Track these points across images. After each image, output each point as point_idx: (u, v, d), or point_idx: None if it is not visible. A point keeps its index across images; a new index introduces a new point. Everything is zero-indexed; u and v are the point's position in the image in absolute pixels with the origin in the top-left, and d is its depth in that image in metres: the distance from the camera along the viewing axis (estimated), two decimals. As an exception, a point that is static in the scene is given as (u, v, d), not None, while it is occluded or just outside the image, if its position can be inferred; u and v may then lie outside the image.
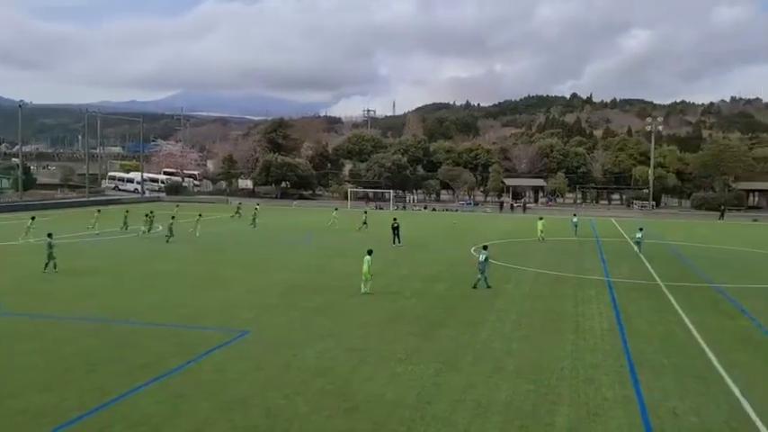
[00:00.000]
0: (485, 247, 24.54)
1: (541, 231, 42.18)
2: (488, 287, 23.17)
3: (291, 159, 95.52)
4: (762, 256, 36.54)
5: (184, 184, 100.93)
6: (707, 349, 15.76)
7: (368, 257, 22.37)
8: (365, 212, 48.21)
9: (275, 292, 22.14)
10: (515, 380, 13.20)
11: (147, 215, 40.18)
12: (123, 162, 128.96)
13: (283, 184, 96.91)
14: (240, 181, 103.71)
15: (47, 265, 25.13)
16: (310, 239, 40.28)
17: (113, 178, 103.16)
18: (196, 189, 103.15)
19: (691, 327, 18.11)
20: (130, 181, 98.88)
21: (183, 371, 13.39)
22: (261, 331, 16.77)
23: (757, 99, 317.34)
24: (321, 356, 14.59)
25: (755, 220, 69.52)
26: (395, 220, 39.45)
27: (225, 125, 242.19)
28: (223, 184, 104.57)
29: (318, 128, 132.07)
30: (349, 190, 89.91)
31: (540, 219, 44.10)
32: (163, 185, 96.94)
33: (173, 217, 39.11)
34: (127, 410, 11.14)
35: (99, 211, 44.90)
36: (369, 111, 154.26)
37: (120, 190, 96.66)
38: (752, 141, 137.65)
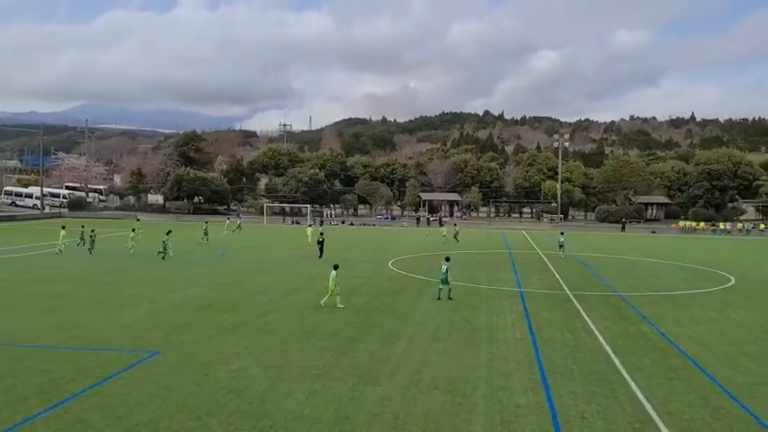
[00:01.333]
0: (447, 259, 24.89)
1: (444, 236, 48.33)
2: (450, 299, 23.75)
3: (205, 174, 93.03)
4: (659, 265, 38.86)
5: (89, 199, 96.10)
6: (612, 354, 16.49)
7: (333, 272, 22.23)
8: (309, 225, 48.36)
9: (186, 311, 21.32)
10: (432, 391, 13.29)
11: (88, 231, 40.15)
12: (21, 176, 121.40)
13: (196, 199, 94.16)
14: (150, 196, 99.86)
15: None
16: (223, 256, 39.23)
17: (10, 193, 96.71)
18: (102, 204, 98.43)
19: (597, 333, 18.92)
20: (29, 196, 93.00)
21: (85, 395, 12.59)
22: (171, 351, 16.07)
23: (653, 118, 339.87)
24: (236, 375, 14.14)
25: (653, 232, 73.99)
26: (321, 234, 40.55)
27: (133, 138, 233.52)
28: (131, 198, 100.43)
29: (233, 141, 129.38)
30: (265, 205, 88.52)
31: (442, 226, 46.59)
32: (65, 201, 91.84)
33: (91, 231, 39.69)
34: (21, 441, 10.33)
35: None
36: (285, 125, 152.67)
37: (17, 206, 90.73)
38: (649, 157, 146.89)
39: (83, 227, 42.43)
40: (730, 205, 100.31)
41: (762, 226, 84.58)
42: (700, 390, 13.69)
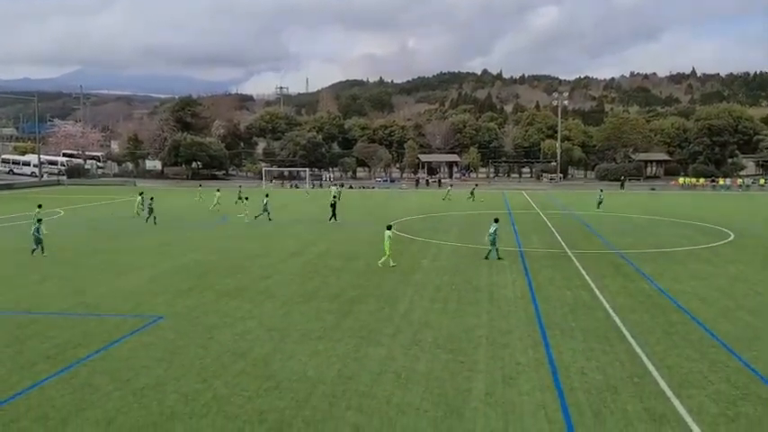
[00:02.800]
0: (496, 220, 25.13)
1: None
2: (499, 258, 24.16)
3: (202, 138, 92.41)
4: (659, 222, 38.96)
5: (87, 166, 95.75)
6: (611, 311, 16.66)
7: (388, 233, 23.20)
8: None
9: (188, 276, 21.46)
10: (434, 350, 13.46)
11: (145, 198, 39.81)
12: (17, 144, 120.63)
13: (194, 165, 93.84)
14: (148, 162, 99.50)
15: None
16: (225, 222, 39.28)
17: (7, 161, 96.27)
18: (100, 171, 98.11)
19: (596, 291, 19.07)
20: (27, 164, 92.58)
21: (92, 360, 12.76)
22: (174, 316, 16.23)
23: (654, 74, 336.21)
24: (240, 338, 14.31)
25: (653, 189, 73.98)
26: (334, 197, 40.88)
27: (129, 104, 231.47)
28: (129, 165, 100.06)
29: (229, 106, 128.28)
30: (263, 169, 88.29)
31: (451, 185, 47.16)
32: (63, 168, 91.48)
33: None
34: (32, 404, 10.53)
35: None
36: (281, 88, 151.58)
37: (15, 174, 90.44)
38: (649, 114, 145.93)
39: (141, 194, 41.79)
40: (730, 161, 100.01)
41: (762, 181, 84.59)
42: (698, 344, 13.86)
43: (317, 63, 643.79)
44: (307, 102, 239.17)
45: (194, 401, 10.70)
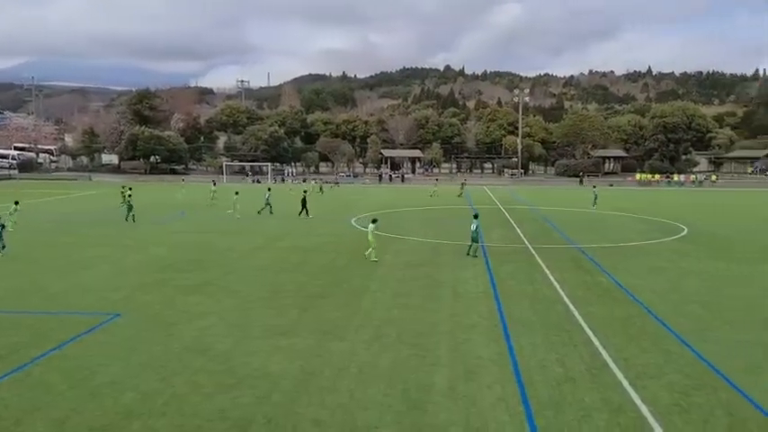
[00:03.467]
0: (475, 216, 25.13)
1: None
2: (474, 256, 23.96)
3: (160, 132, 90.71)
4: (616, 217, 39.84)
5: (39, 160, 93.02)
6: (570, 305, 16.96)
7: (372, 226, 23.54)
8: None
9: (148, 271, 21.04)
10: (397, 345, 13.50)
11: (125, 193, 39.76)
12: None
13: (152, 159, 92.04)
14: (104, 156, 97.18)
15: None
16: (183, 216, 38.66)
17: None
18: (53, 166, 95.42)
19: (556, 285, 19.40)
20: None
21: (46, 359, 12.40)
22: (133, 312, 15.89)
23: (611, 72, 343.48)
24: (200, 335, 14.09)
25: (611, 185, 75.56)
26: (305, 192, 41.01)
27: (84, 96, 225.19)
28: (84, 159, 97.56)
29: (189, 99, 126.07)
30: (224, 164, 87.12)
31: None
32: (14, 162, 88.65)
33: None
34: (-20, 407, 10.16)
35: None
36: (242, 82, 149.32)
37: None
38: (607, 111, 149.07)
39: (123, 188, 41.97)
40: (684, 158, 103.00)
41: (713, 177, 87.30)
42: (653, 336, 14.23)
43: (279, 57, 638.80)
44: (268, 96, 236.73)
45: (152, 400, 10.50)
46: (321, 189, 58.35)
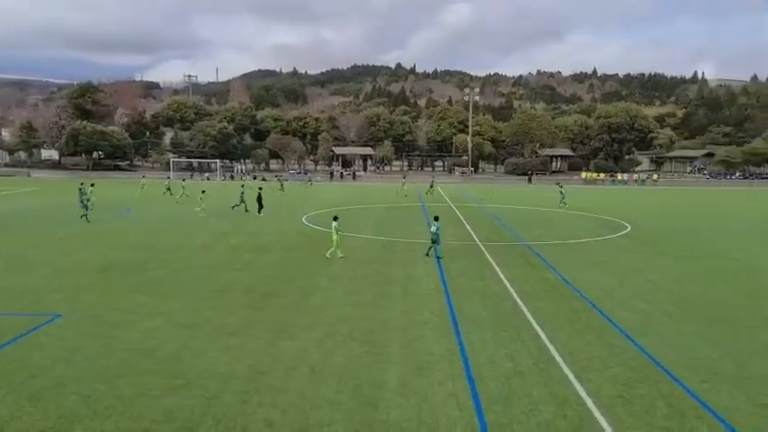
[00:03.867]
0: (436, 218, 24.69)
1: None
2: (430, 256, 23.57)
3: (104, 127, 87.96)
4: (563, 214, 40.79)
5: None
6: (519, 301, 17.28)
7: (334, 223, 23.31)
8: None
9: (89, 272, 20.37)
10: (349, 343, 13.47)
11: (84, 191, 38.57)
12: None
13: (95, 155, 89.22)
14: (43, 151, 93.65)
15: None
16: (130, 214, 37.63)
17: None
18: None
19: (505, 281, 19.72)
20: None
21: (-19, 364, 11.86)
22: (74, 314, 15.35)
23: (558, 73, 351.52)
24: (147, 336, 13.74)
25: (558, 184, 77.39)
26: (260, 189, 40.41)
27: (22, 89, 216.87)
28: (22, 154, 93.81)
29: (134, 93, 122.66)
30: (171, 160, 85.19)
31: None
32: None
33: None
34: None
35: None
36: (190, 76, 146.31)
37: None
38: (554, 111, 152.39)
39: (82, 184, 40.40)
40: (627, 157, 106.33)
41: (655, 176, 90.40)
42: (597, 330, 14.63)
43: (228, 52, 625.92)
44: (217, 91, 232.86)
45: (96, 403, 10.18)
46: (282, 187, 57.67)
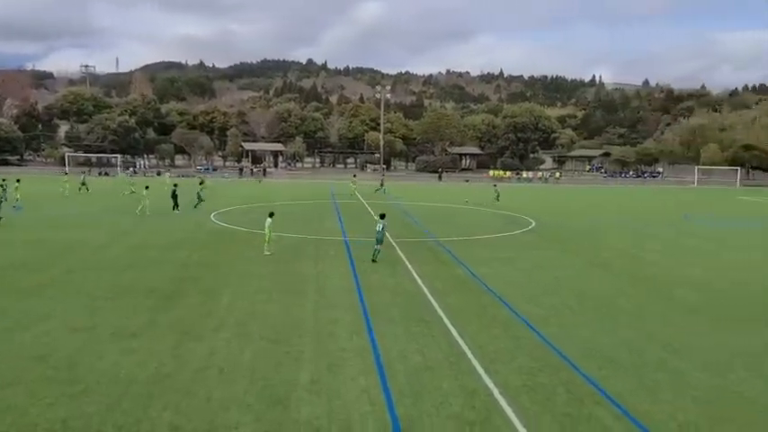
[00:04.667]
0: (382, 216, 23.03)
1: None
2: (373, 260, 22.13)
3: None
4: (472, 211, 41.91)
5: None
6: (429, 296, 17.55)
7: (269, 220, 23.28)
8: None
9: (-24, 273, 18.86)
10: (259, 342, 13.20)
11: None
12: None
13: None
14: None
15: None
16: (20, 211, 35.20)
17: None
18: None
19: (416, 277, 19.98)
20: None
21: None
22: (-43, 319, 14.15)
23: (467, 73, 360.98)
24: (39, 340, 12.86)
25: (467, 181, 79.43)
26: (175, 185, 39.11)
27: None
28: None
29: (24, 83, 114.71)
30: (67, 155, 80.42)
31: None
32: None
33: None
34: None
35: None
36: (87, 66, 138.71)
37: None
38: (463, 110, 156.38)
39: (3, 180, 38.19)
40: (532, 156, 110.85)
41: (557, 174, 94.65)
42: (504, 323, 15.10)
43: (129, 41, 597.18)
44: (117, 83, 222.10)
45: (-18, 415, 9.42)
46: (202, 182, 55.16)
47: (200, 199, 39.14)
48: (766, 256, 26.31)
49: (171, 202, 36.64)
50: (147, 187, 36.69)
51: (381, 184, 60.32)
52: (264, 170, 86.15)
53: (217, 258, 22.30)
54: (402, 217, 37.47)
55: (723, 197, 64.73)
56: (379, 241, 22.47)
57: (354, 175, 64.86)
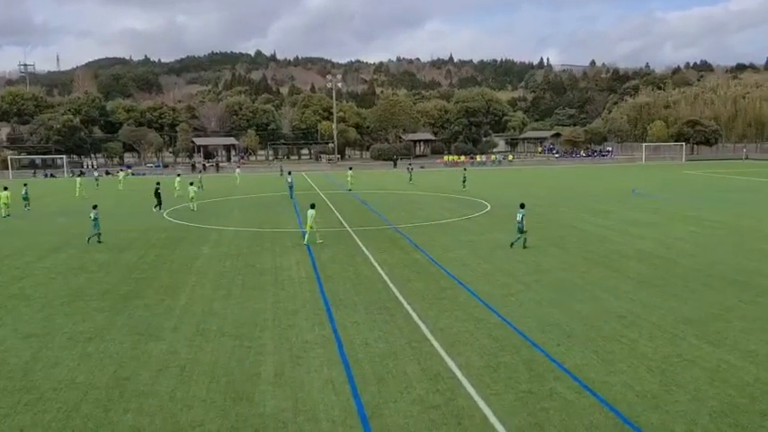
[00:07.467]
0: (522, 206, 22.88)
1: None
2: (525, 247, 22.40)
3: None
4: (428, 197, 42.19)
5: None
6: (390, 283, 17.65)
7: (311, 211, 23.67)
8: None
9: None
10: (219, 339, 13.06)
11: None
12: None
13: None
14: None
15: None
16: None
17: None
18: None
19: (376, 265, 20.06)
20: None
21: None
22: None
23: (418, 59, 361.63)
24: (-11, 351, 12.43)
25: (422, 167, 79.77)
26: (158, 184, 38.40)
27: None
28: None
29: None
30: (9, 157, 77.45)
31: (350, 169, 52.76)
32: None
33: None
34: None
35: None
36: (26, 65, 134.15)
37: None
38: (415, 97, 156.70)
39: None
40: (485, 139, 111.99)
41: (510, 157, 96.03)
42: (464, 305, 15.31)
43: (70, 37, 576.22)
44: (59, 81, 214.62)
45: (-68, 431, 9.08)
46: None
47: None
48: (712, 227, 27.30)
49: (154, 201, 36.31)
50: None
51: (410, 177, 58.02)
52: (218, 165, 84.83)
53: (171, 257, 21.93)
54: (359, 205, 37.46)
55: (670, 172, 66.78)
56: (520, 230, 22.64)
57: (351, 167, 63.27)
